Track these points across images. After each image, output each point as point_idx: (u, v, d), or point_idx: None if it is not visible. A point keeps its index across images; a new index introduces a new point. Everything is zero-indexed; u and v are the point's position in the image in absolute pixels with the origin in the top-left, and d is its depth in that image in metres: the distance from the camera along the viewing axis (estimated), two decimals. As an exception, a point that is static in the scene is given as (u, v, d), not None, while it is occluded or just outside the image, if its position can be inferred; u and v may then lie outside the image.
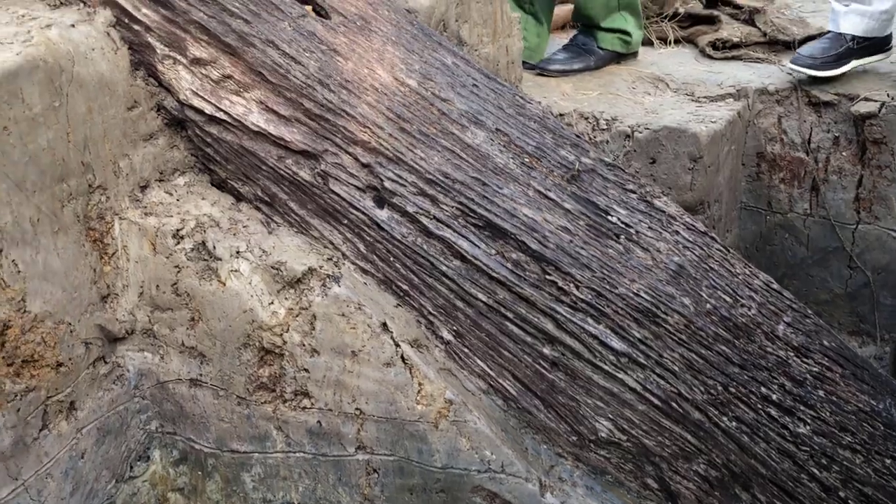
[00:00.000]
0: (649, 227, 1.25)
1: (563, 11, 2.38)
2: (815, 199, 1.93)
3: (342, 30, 1.28)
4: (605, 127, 1.73)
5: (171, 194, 1.25)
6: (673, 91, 1.88)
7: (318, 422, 1.24)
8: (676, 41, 2.16)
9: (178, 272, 1.23)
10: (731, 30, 2.13)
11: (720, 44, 2.09)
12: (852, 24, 1.85)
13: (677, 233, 1.26)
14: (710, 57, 2.08)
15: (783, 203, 1.97)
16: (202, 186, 1.28)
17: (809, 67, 1.86)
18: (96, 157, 1.19)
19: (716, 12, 2.23)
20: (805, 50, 1.92)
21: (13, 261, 1.12)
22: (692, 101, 1.83)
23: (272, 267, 1.23)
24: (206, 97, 1.23)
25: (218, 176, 1.28)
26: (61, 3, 1.22)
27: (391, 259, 1.26)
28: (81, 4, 1.22)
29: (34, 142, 1.13)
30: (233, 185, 1.28)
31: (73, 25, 1.18)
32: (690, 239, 1.27)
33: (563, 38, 2.22)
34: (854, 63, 1.89)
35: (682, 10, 2.22)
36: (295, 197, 1.27)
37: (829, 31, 1.94)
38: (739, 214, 2.00)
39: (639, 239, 1.24)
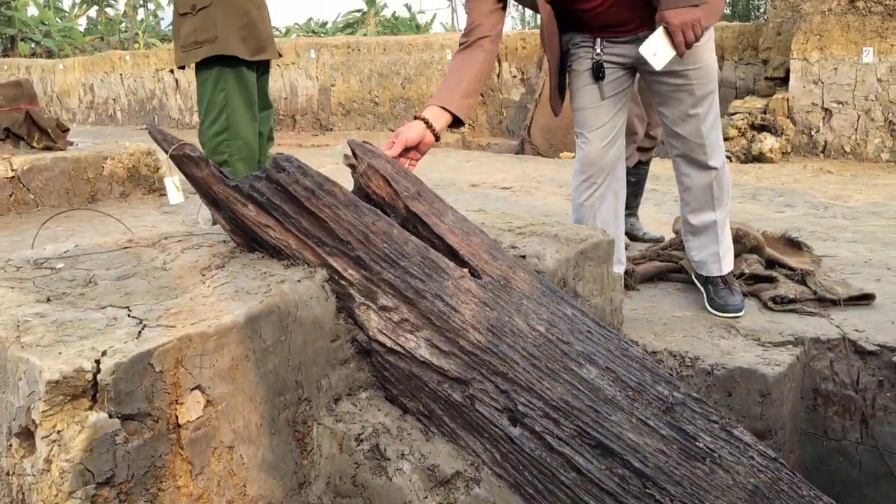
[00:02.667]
0: (730, 453, 1.55)
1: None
2: (865, 431, 2.19)
3: (489, 287, 1.70)
4: (689, 364, 2.09)
5: (355, 405, 1.63)
6: (743, 336, 2.24)
7: None
8: (743, 295, 2.56)
9: (357, 468, 1.57)
10: (787, 288, 2.52)
11: (779, 299, 2.48)
12: None
13: (752, 458, 1.56)
14: (771, 309, 2.46)
15: (837, 432, 2.22)
16: (378, 400, 1.65)
17: None
18: (306, 377, 1.59)
19: (774, 273, 2.62)
20: None
21: (241, 455, 1.48)
22: (759, 345, 2.18)
23: (428, 468, 1.56)
24: (388, 334, 1.64)
25: (391, 392, 1.66)
26: (292, 264, 1.68)
27: (521, 468, 1.58)
28: (306, 265, 1.67)
29: (265, 366, 1.53)
30: (401, 401, 1.65)
31: (299, 281, 1.62)
32: (763, 463, 1.55)
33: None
34: None
35: (746, 271, 2.63)
36: (448, 413, 1.62)
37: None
38: (800, 440, 2.25)
39: (721, 462, 1.54)
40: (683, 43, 2.12)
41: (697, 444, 1.55)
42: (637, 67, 2.41)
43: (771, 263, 2.69)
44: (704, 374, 2.06)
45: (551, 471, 1.54)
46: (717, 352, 2.12)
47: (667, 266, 2.95)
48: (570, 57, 2.47)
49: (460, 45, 2.26)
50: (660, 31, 2.14)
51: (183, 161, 1.74)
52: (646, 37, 2.17)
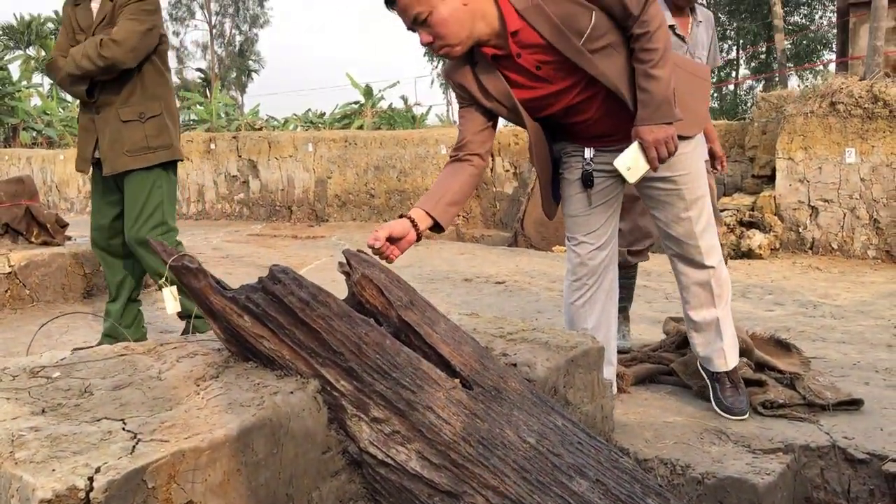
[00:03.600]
0: (721, 569, 1.55)
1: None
2: (858, 541, 2.18)
3: (481, 398, 1.72)
4: (680, 472, 2.08)
5: (345, 520, 1.62)
6: (733, 442, 2.25)
7: None
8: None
9: (346, 585, 1.56)
10: (776, 392, 2.54)
11: (769, 404, 2.50)
12: None
13: (745, 575, 1.56)
14: (761, 414, 2.48)
15: (831, 542, 2.22)
16: (369, 515, 1.65)
17: None
18: (297, 490, 1.59)
19: (763, 377, 2.65)
20: None
21: (230, 568, 1.47)
22: (749, 452, 2.19)
23: (418, 585, 1.55)
24: (379, 446, 1.65)
25: (381, 506, 1.66)
26: (285, 375, 1.70)
27: (512, 584, 1.57)
28: (299, 376, 1.70)
29: (256, 479, 1.53)
30: (392, 516, 1.65)
31: (291, 392, 1.64)
32: (756, 581, 1.55)
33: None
34: None
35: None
36: (438, 527, 1.62)
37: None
38: (792, 549, 2.24)
39: (713, 578, 1.54)
40: (657, 158, 2.22)
41: (688, 560, 1.54)
42: None
43: (760, 366, 2.72)
44: (695, 482, 2.06)
45: (542, 588, 1.53)
46: (707, 459, 2.13)
47: (657, 368, 2.97)
48: (562, 164, 2.55)
49: (451, 157, 2.36)
50: (634, 146, 2.24)
51: (182, 272, 1.78)
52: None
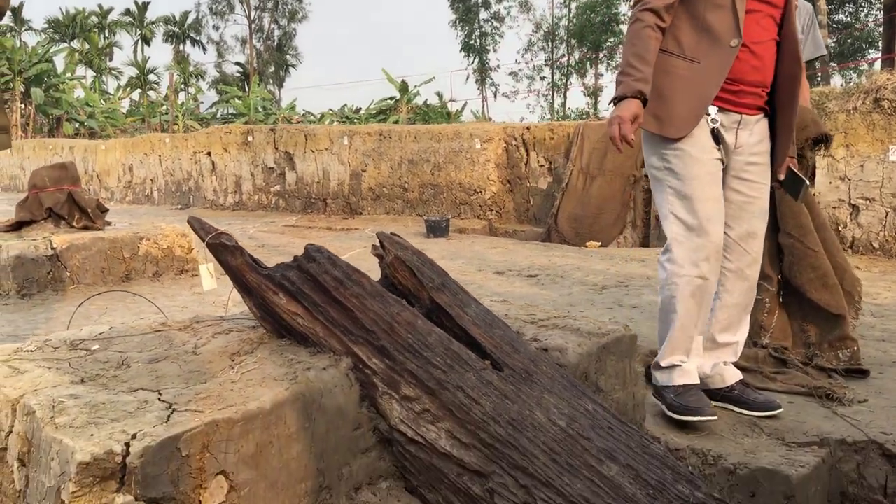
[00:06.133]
0: (752, 557, 1.54)
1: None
2: (896, 538, 2.14)
3: (511, 380, 1.72)
4: (712, 462, 2.06)
5: (375, 495, 1.64)
6: (767, 435, 2.22)
7: None
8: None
9: (374, 560, 1.57)
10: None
11: (775, 349, 2.53)
12: None
13: (776, 563, 1.54)
14: (773, 356, 2.50)
15: (867, 538, 2.18)
16: (398, 490, 1.66)
17: None
18: (328, 465, 1.61)
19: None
20: None
21: (259, 540, 1.49)
22: (783, 444, 2.15)
23: (446, 562, 1.56)
24: (409, 424, 1.66)
25: (411, 483, 1.67)
26: (318, 352, 1.72)
27: (539, 564, 1.57)
28: (332, 353, 1.71)
29: (288, 452, 1.55)
30: (421, 492, 1.66)
31: (324, 369, 1.66)
32: (787, 570, 1.53)
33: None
34: None
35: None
36: (467, 506, 1.63)
37: None
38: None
39: (743, 566, 1.52)
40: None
41: (718, 546, 1.53)
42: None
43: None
44: (727, 473, 2.04)
45: (569, 570, 1.53)
46: (740, 450, 2.10)
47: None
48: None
49: (646, 24, 2.26)
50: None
51: (219, 249, 1.81)
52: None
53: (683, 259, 2.27)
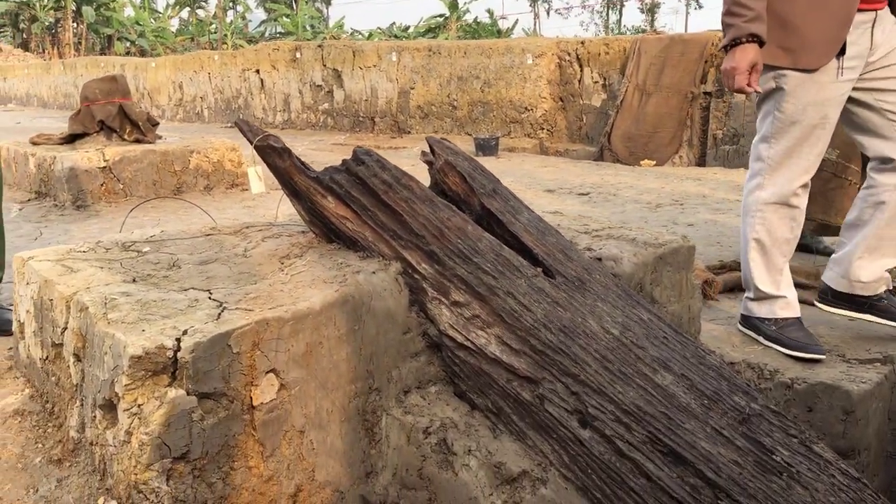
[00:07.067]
0: (808, 469, 1.49)
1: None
2: (958, 459, 2.08)
3: (563, 287, 1.68)
4: (768, 377, 2.01)
5: (424, 399, 1.63)
6: (827, 351, 2.16)
7: None
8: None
9: (424, 460, 1.57)
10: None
11: None
12: None
13: (833, 476, 1.49)
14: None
15: (927, 458, 2.12)
16: (447, 395, 1.65)
17: None
18: (377, 367, 1.60)
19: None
20: None
21: (311, 440, 1.50)
22: (844, 361, 2.09)
23: (494, 466, 1.55)
24: (459, 329, 1.64)
25: (459, 388, 1.66)
26: (367, 256, 1.70)
27: (589, 471, 1.55)
28: (381, 258, 1.69)
29: (338, 353, 1.55)
30: (470, 397, 1.65)
31: (374, 272, 1.64)
32: (845, 483, 1.49)
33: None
34: None
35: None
36: (516, 411, 1.61)
37: None
38: (886, 462, 2.15)
39: (799, 478, 1.48)
40: None
41: (774, 457, 1.49)
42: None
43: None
44: (784, 387, 1.99)
45: (620, 476, 1.52)
46: (797, 365, 2.05)
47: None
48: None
49: None
50: None
51: (267, 151, 1.78)
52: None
53: (778, 184, 2.12)
